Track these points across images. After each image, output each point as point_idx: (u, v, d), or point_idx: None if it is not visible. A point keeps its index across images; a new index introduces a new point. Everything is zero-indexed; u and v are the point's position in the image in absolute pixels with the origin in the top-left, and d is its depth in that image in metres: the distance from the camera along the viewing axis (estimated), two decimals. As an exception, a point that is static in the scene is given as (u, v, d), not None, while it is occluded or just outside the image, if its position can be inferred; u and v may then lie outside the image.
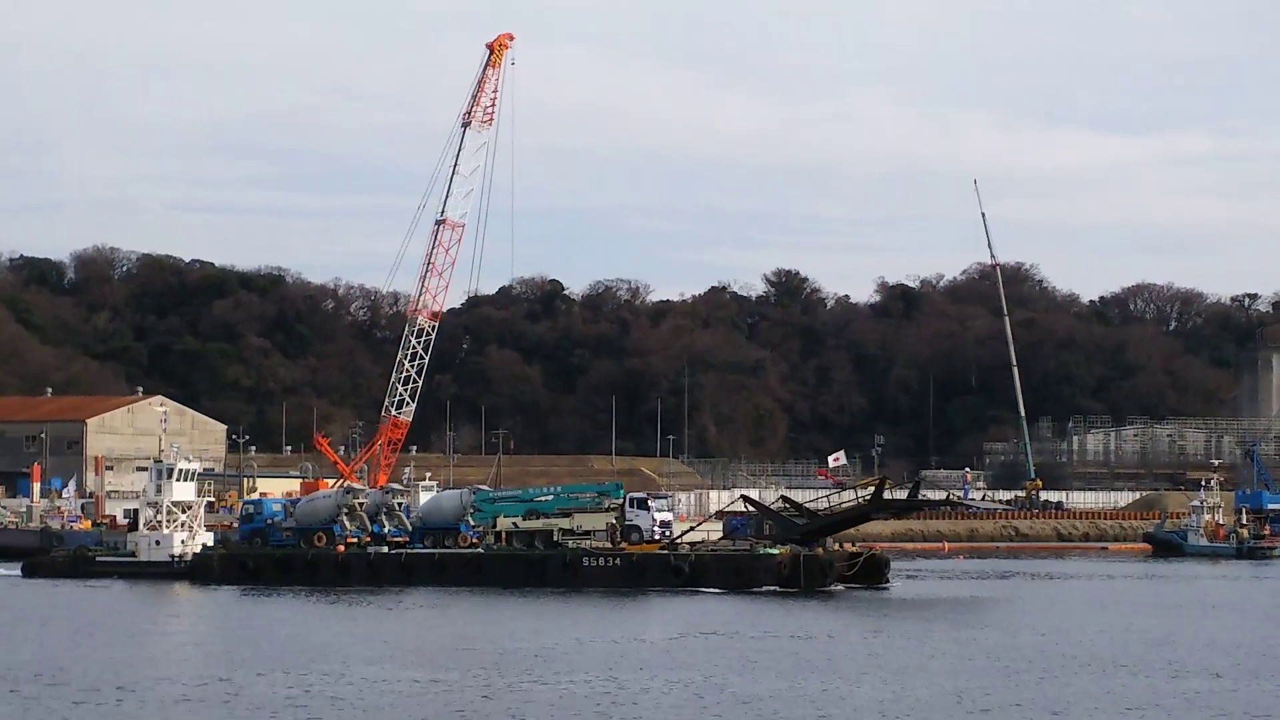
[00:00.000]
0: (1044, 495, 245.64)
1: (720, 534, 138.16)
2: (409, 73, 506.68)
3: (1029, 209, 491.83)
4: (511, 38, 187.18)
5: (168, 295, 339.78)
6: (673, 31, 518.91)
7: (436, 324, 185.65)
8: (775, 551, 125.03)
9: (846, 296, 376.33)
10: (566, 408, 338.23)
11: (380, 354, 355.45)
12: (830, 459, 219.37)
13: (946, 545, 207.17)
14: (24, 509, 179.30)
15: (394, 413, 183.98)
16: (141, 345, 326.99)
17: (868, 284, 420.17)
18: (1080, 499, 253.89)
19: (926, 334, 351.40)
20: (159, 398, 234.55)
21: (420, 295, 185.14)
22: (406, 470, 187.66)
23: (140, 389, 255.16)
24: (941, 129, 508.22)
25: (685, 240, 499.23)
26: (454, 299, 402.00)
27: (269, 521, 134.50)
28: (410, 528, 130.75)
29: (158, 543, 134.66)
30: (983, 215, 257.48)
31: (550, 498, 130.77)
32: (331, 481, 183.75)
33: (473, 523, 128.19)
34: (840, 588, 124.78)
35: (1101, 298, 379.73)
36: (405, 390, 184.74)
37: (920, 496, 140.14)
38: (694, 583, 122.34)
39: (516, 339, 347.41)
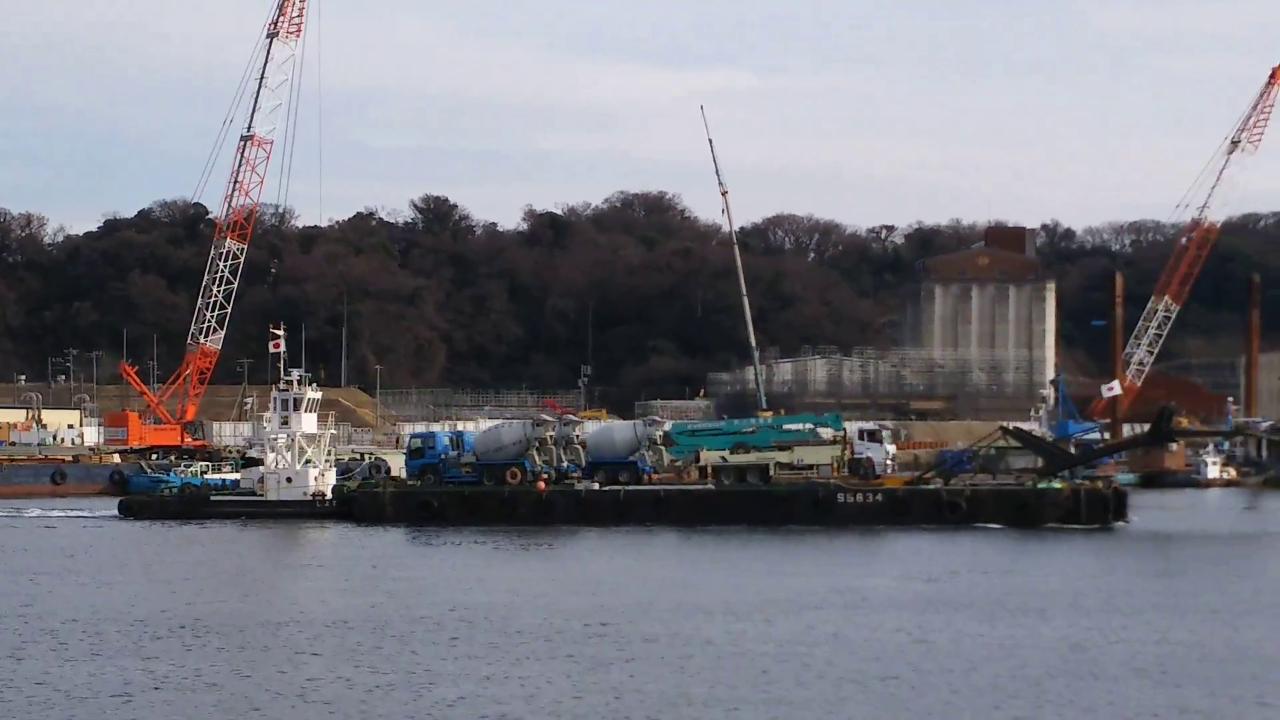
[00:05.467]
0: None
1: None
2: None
3: (581, 141, 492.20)
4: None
5: None
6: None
7: (245, 246, 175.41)
8: (1059, 486, 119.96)
9: (495, 224, 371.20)
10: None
11: (12, 278, 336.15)
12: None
13: None
14: None
15: (202, 340, 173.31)
16: None
17: (514, 212, 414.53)
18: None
19: (581, 263, 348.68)
20: None
21: (227, 215, 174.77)
22: (249, 400, 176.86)
23: None
24: (485, 59, 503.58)
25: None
26: (90, 222, 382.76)
27: (442, 457, 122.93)
28: (584, 462, 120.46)
29: (289, 480, 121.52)
30: (710, 141, 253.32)
31: (754, 430, 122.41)
32: (140, 413, 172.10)
33: (657, 456, 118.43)
34: (1124, 524, 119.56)
35: (743, 228, 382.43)
36: (213, 317, 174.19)
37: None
38: (970, 519, 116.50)
39: (160, 264, 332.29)
